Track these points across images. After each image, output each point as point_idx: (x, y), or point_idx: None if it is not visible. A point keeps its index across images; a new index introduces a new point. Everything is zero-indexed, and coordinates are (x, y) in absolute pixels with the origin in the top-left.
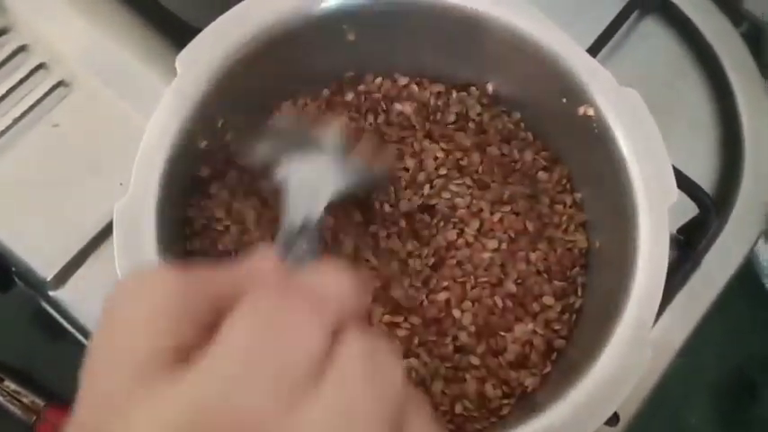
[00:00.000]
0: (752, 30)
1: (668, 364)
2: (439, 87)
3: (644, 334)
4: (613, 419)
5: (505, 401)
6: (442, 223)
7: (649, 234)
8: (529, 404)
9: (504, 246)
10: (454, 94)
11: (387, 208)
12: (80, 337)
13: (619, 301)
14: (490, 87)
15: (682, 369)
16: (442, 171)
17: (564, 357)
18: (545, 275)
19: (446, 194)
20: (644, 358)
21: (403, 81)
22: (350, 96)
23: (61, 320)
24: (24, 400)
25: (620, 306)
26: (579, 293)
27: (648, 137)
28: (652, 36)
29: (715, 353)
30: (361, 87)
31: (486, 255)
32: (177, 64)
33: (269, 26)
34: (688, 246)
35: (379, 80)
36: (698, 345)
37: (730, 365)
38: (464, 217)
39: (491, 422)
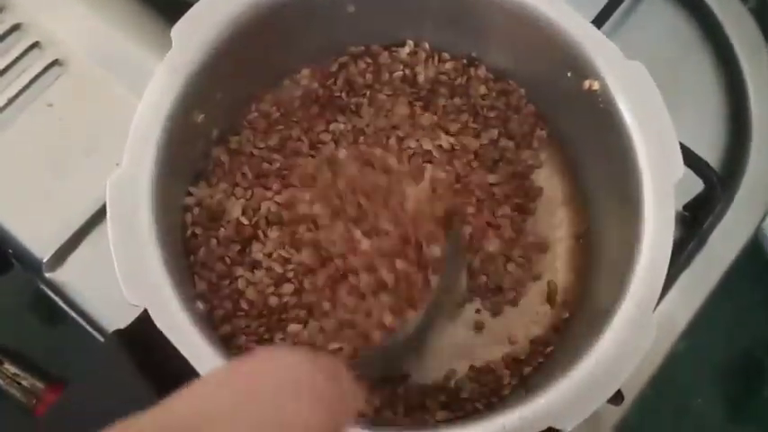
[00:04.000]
0: (760, 5)
1: (674, 344)
2: (444, 59)
3: (647, 314)
4: (618, 399)
5: (506, 378)
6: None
7: (654, 211)
8: (530, 386)
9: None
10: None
11: None
12: (78, 319)
13: (622, 281)
14: (495, 61)
15: (688, 349)
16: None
17: (567, 337)
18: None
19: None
20: (647, 338)
21: (405, 51)
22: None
23: (59, 302)
24: (24, 382)
25: (624, 285)
26: None
27: (655, 112)
28: (658, 10)
29: (722, 333)
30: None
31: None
32: (172, 35)
33: None
34: (694, 223)
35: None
36: (704, 324)
37: (737, 345)
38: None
39: (491, 402)
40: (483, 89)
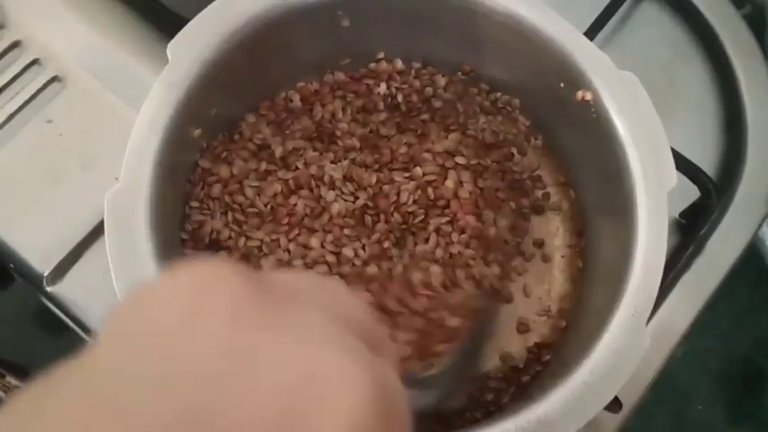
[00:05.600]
0: (754, 12)
1: (672, 351)
2: (434, 72)
3: (641, 321)
4: (616, 406)
5: (503, 387)
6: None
7: (648, 220)
8: (527, 394)
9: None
10: (441, 80)
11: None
12: (80, 333)
13: (618, 289)
14: (489, 72)
15: (686, 355)
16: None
17: (563, 346)
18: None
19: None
20: (642, 346)
21: (399, 66)
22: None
23: (61, 315)
24: None
25: (619, 294)
26: None
27: (647, 121)
28: (652, 18)
29: (720, 339)
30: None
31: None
32: (168, 52)
33: (262, 12)
34: (691, 230)
35: (374, 65)
36: (703, 331)
37: (736, 351)
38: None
39: (489, 411)
40: (478, 100)
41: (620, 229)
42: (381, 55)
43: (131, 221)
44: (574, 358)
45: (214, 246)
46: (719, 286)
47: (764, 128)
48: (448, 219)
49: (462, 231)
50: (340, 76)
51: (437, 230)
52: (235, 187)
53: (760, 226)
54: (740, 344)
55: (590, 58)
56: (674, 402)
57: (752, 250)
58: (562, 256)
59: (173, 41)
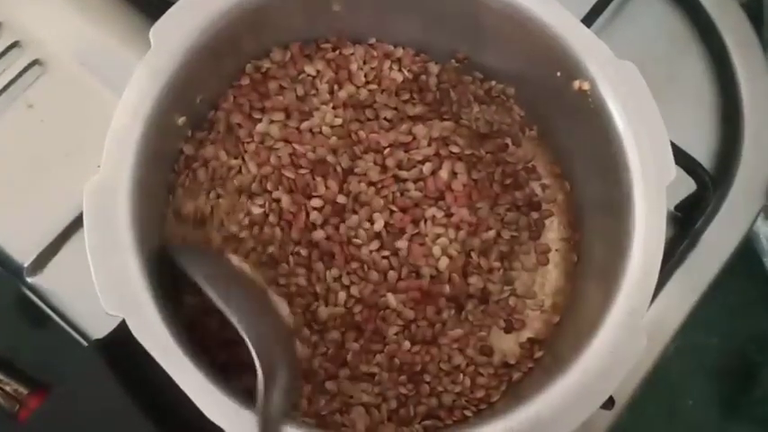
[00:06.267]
0: (753, 1)
1: (665, 346)
2: (427, 59)
3: (637, 320)
4: (608, 403)
5: (494, 384)
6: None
7: (646, 215)
8: (519, 392)
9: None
10: (434, 68)
11: None
12: (62, 324)
13: (613, 285)
14: (483, 61)
15: (680, 350)
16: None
17: (557, 342)
18: None
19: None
20: (638, 346)
21: (397, 53)
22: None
23: (43, 307)
24: (7, 388)
25: (615, 290)
26: None
27: (646, 112)
28: (649, 7)
29: (714, 334)
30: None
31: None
32: (151, 36)
33: None
34: (686, 223)
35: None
36: (696, 325)
37: (730, 346)
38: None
39: (480, 409)
40: (472, 88)
41: (616, 224)
42: (373, 41)
43: (112, 212)
44: (568, 356)
45: (199, 226)
46: (714, 281)
47: (762, 119)
48: (443, 212)
49: (458, 227)
50: None
51: (432, 220)
52: (221, 171)
53: (755, 220)
54: (734, 339)
55: (588, 47)
56: (667, 398)
57: (747, 245)
58: (556, 250)
59: (156, 25)
